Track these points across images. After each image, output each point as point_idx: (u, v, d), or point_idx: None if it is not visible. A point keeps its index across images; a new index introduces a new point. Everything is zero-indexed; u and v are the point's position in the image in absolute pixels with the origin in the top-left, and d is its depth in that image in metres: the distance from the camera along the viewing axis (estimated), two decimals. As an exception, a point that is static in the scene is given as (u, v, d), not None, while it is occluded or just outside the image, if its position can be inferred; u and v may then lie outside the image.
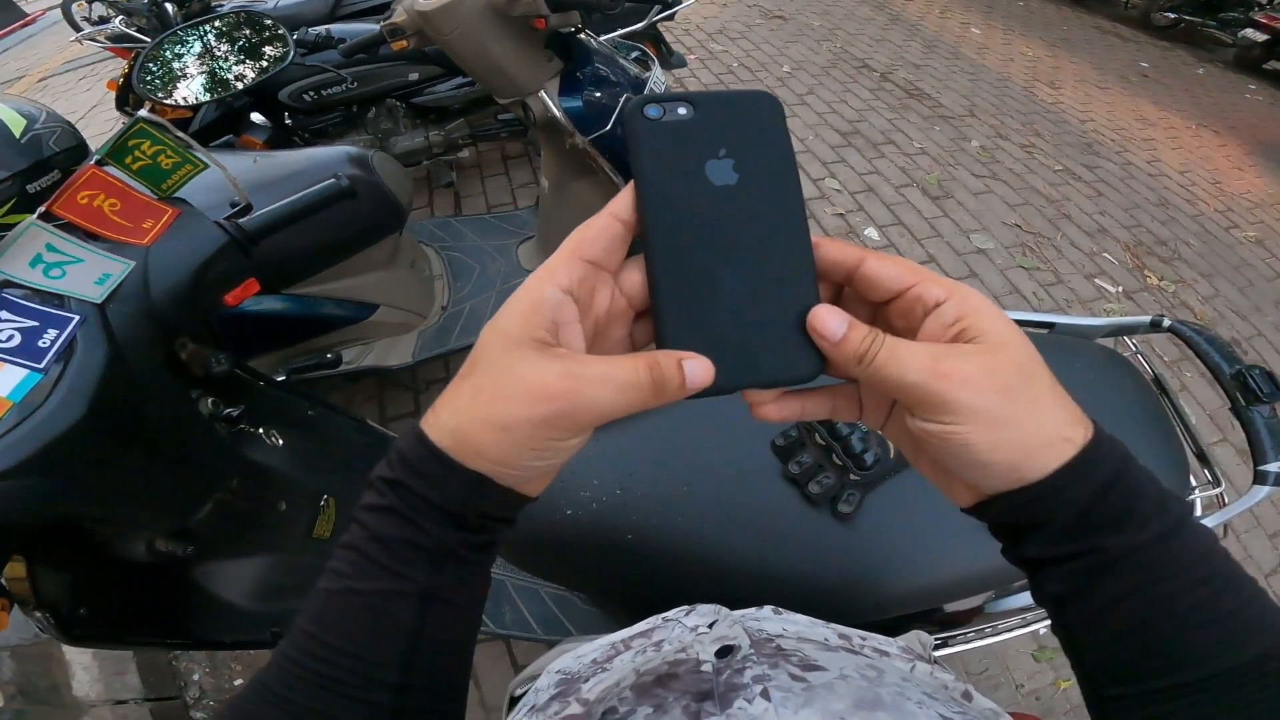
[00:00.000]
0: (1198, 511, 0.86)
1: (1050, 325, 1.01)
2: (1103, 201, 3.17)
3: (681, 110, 0.30)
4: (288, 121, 2.04)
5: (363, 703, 0.28)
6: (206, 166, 0.79)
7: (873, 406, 0.33)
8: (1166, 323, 0.93)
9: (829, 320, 0.29)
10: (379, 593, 0.28)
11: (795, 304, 0.30)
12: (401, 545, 0.28)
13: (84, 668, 1.40)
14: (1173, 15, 5.73)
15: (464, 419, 0.28)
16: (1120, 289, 2.63)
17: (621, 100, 1.39)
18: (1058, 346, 0.96)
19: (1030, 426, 0.26)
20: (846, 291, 0.32)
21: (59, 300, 0.67)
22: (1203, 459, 0.90)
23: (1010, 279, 2.57)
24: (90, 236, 0.71)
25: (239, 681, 1.49)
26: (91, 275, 0.68)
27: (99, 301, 0.67)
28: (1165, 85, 4.81)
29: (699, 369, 0.27)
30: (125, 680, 1.41)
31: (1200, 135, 4.09)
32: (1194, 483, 0.87)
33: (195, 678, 1.49)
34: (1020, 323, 1.02)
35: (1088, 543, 0.27)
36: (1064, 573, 0.28)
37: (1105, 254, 2.81)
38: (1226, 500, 0.85)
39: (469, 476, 0.28)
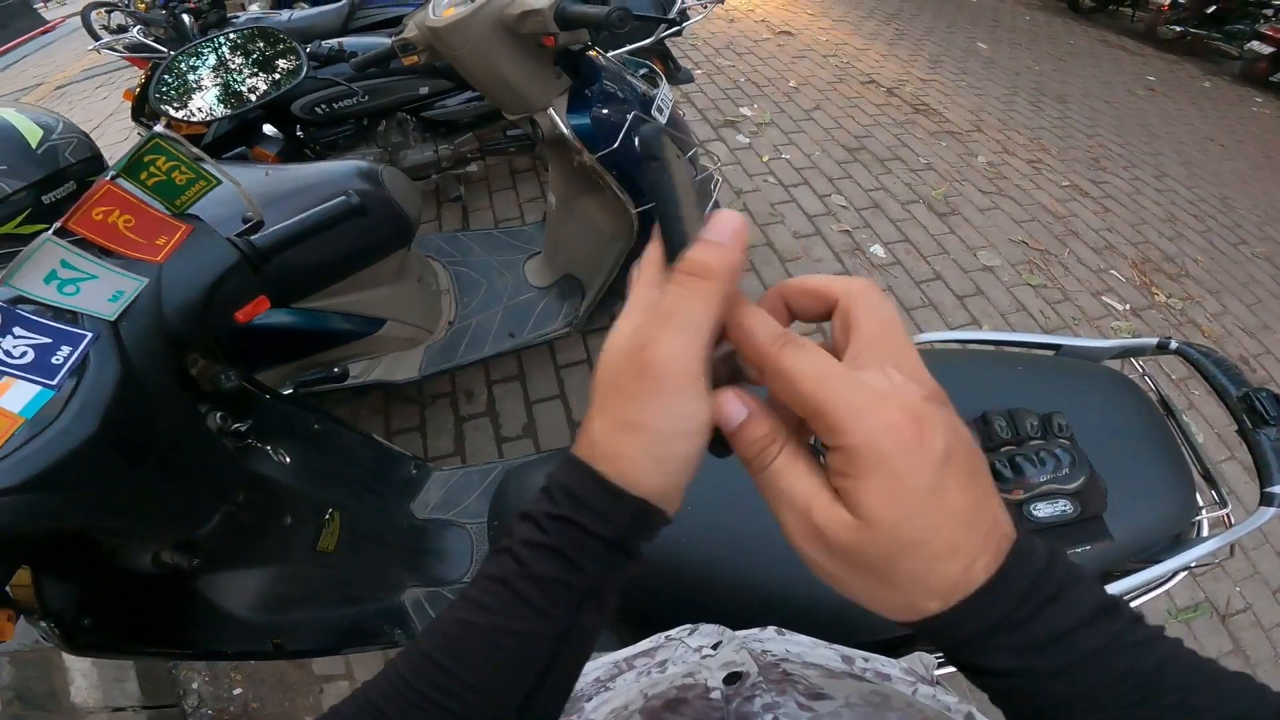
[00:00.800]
0: (1205, 531, 0.86)
1: (1057, 347, 1.01)
2: (1110, 218, 3.17)
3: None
4: (299, 134, 2.06)
5: None
6: (220, 182, 0.80)
7: None
8: (1173, 345, 0.93)
9: (727, 406, 0.28)
10: (522, 633, 0.28)
11: None
12: (556, 586, 0.28)
13: (83, 674, 1.39)
14: (1179, 28, 5.75)
15: (622, 449, 0.28)
16: (1128, 306, 2.62)
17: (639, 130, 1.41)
18: (1063, 369, 0.97)
19: (873, 598, 0.26)
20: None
21: (72, 317, 0.68)
22: (1209, 479, 0.90)
23: (1017, 296, 2.56)
24: (104, 252, 0.72)
25: (238, 691, 1.48)
26: (105, 292, 0.69)
27: (112, 319, 0.68)
28: (1172, 99, 4.82)
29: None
30: (124, 687, 1.40)
31: (1207, 150, 4.09)
32: (1201, 502, 0.87)
33: (194, 686, 1.49)
34: (1026, 345, 1.03)
35: (965, 674, 0.27)
36: (998, 687, 0.27)
37: (1112, 271, 2.81)
38: (1233, 520, 0.85)
39: (637, 505, 0.28)
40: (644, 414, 0.27)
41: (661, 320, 0.27)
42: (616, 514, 0.28)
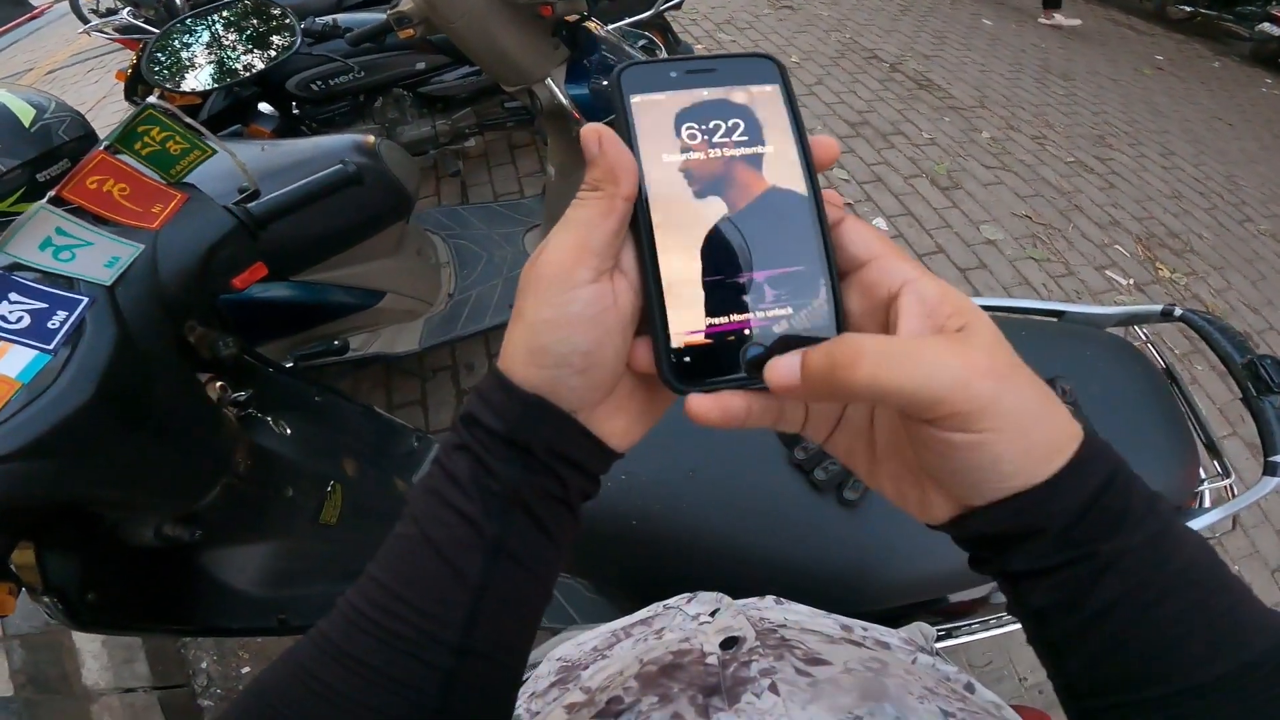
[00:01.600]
0: (1207, 503, 0.86)
1: (1060, 314, 1.00)
2: (1115, 193, 3.14)
3: (673, 74, 0.27)
4: (295, 111, 2.04)
5: (421, 661, 0.26)
6: (215, 152, 0.79)
7: (820, 418, 0.30)
8: (1178, 312, 0.92)
9: (777, 367, 0.25)
10: (450, 541, 0.27)
11: (804, 296, 0.26)
12: (474, 487, 0.27)
13: (93, 656, 1.41)
14: (1189, 9, 5.64)
15: (508, 342, 0.27)
16: (1131, 281, 2.61)
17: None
18: (1067, 335, 0.96)
19: (1050, 428, 0.24)
20: None
21: (68, 283, 0.67)
22: (1213, 450, 0.89)
23: (1020, 270, 2.55)
24: (100, 221, 0.72)
25: (246, 670, 1.50)
26: (101, 258, 0.68)
27: (109, 284, 0.68)
28: (1180, 78, 4.74)
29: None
30: (134, 668, 1.41)
31: (1215, 128, 4.03)
32: (1204, 474, 0.86)
33: (203, 665, 1.50)
34: (1029, 311, 1.02)
35: (1079, 550, 0.24)
36: (1051, 583, 0.25)
37: (1116, 246, 2.79)
38: (1236, 492, 0.84)
39: (527, 398, 0.26)
40: (523, 304, 0.27)
41: (556, 228, 0.27)
42: (507, 408, 0.27)
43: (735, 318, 0.26)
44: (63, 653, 1.39)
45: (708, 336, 0.26)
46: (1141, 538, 0.24)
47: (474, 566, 0.27)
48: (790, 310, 0.26)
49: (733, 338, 0.26)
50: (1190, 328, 0.91)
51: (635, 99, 0.27)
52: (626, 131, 0.27)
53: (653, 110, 0.27)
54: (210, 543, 0.93)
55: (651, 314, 0.26)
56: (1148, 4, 6.04)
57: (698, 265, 0.26)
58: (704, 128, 0.27)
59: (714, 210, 0.27)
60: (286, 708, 0.26)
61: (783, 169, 0.27)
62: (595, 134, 0.26)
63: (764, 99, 0.28)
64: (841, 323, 0.26)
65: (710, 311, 0.26)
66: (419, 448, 1.40)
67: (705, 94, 0.27)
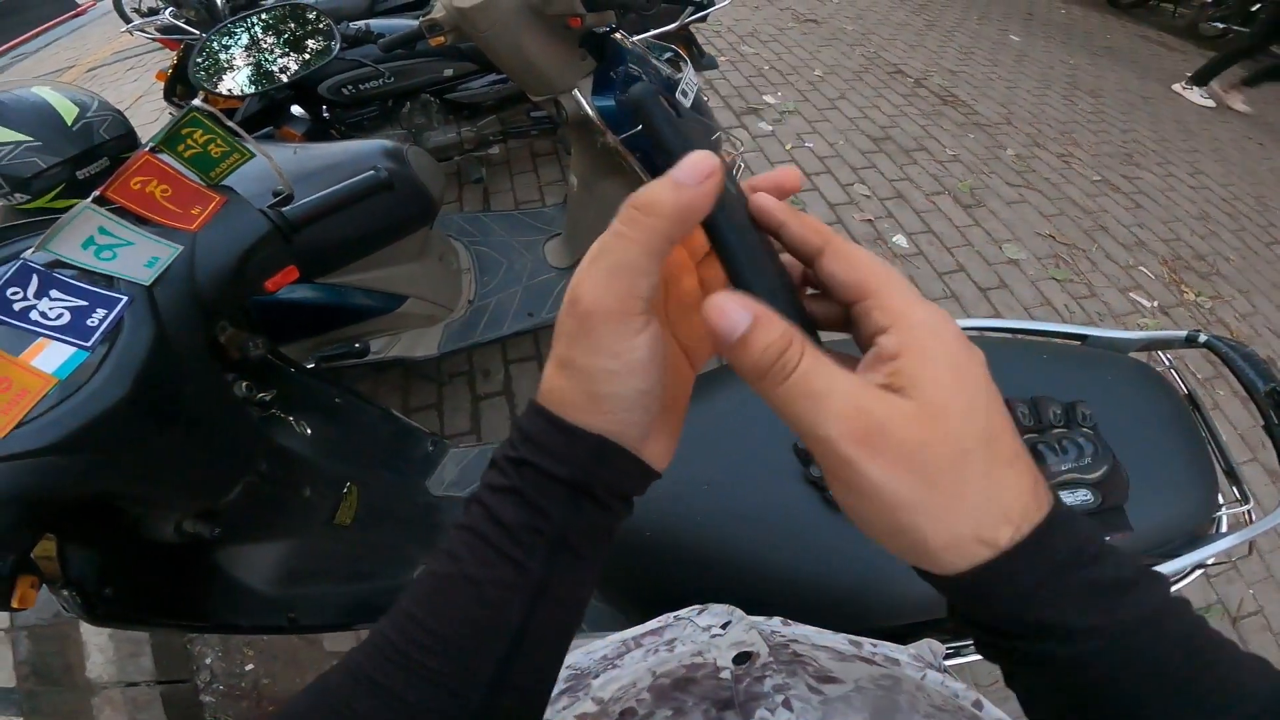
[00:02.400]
0: (1224, 528, 0.85)
1: (1083, 337, 0.99)
2: (1141, 213, 3.10)
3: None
4: (325, 115, 2.08)
5: (455, 696, 0.26)
6: (253, 156, 0.82)
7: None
8: (1202, 338, 0.91)
9: (727, 310, 0.23)
10: (493, 582, 0.26)
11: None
12: (523, 531, 0.27)
13: (99, 649, 1.40)
14: (1221, 25, 5.57)
15: (562, 387, 0.27)
16: (1155, 304, 2.57)
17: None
18: (1090, 358, 0.95)
19: (939, 522, 0.22)
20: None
21: (108, 281, 0.69)
22: (1232, 476, 0.89)
23: (1042, 290, 2.52)
24: (141, 221, 0.74)
25: (250, 667, 1.50)
26: (142, 258, 0.71)
27: (148, 284, 0.70)
28: (1211, 97, 4.67)
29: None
30: (139, 662, 1.41)
31: (1245, 148, 3.97)
32: (1222, 500, 0.86)
33: (208, 661, 1.51)
34: (1052, 334, 1.01)
35: (1014, 645, 0.23)
36: (994, 656, 0.25)
37: (1141, 267, 2.75)
38: (1254, 518, 0.84)
39: (591, 441, 0.26)
40: (573, 352, 0.26)
41: (593, 258, 0.26)
42: (570, 452, 0.26)
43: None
44: (69, 645, 1.39)
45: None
46: (1071, 652, 0.22)
47: (515, 606, 0.27)
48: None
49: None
50: (1214, 354, 0.91)
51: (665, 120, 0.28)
52: (663, 143, 0.27)
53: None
54: (226, 540, 0.93)
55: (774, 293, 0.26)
56: (1179, 21, 5.97)
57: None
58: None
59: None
60: None
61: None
62: (703, 163, 0.25)
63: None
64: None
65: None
66: (434, 452, 1.41)
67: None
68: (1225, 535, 0.81)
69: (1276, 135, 4.25)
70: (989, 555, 0.22)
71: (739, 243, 0.27)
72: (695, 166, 0.24)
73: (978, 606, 0.24)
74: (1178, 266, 2.80)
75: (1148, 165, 3.51)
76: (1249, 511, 0.85)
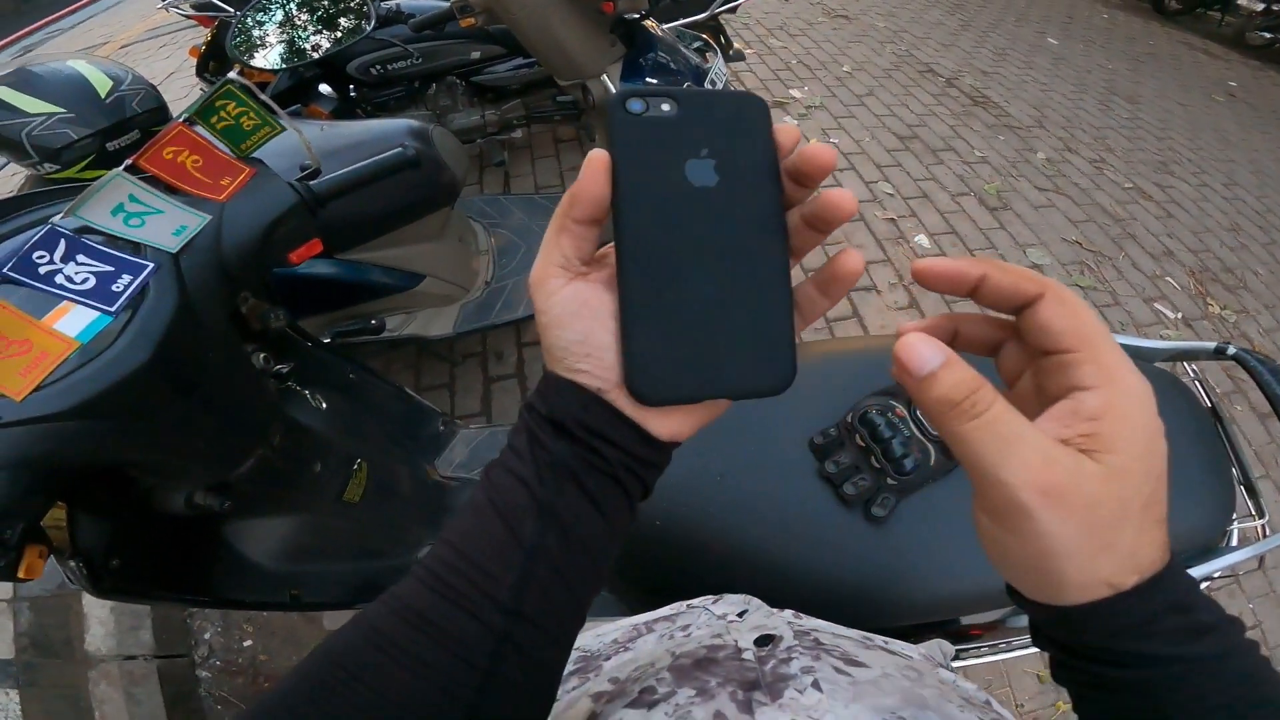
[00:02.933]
0: (1235, 541, 0.84)
1: (1108, 346, 0.98)
2: (1171, 223, 3.03)
3: (665, 106, 0.29)
4: (352, 94, 2.09)
5: (477, 619, 0.28)
6: (284, 130, 0.82)
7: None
8: (1231, 350, 0.90)
9: (919, 350, 0.25)
10: (509, 505, 0.29)
11: (766, 313, 0.29)
12: (530, 456, 0.30)
13: (100, 622, 1.42)
14: (1269, 35, 5.41)
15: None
16: (1179, 315, 2.52)
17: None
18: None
19: (1085, 568, 0.25)
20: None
21: (135, 249, 0.70)
22: (1250, 490, 0.87)
23: (1065, 297, 2.48)
24: (171, 190, 0.75)
25: (248, 643, 1.51)
26: (169, 227, 0.71)
27: (174, 251, 0.71)
28: (1252, 105, 4.55)
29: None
30: (139, 636, 1.43)
31: (1285, 160, 3.87)
32: (1235, 514, 0.84)
33: (206, 636, 1.52)
34: None
35: (1093, 669, 0.26)
36: (1070, 678, 0.28)
37: (1168, 278, 2.69)
38: (1266, 533, 0.82)
39: (560, 381, 0.30)
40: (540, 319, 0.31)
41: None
42: (545, 391, 0.31)
43: (689, 338, 0.28)
44: (70, 616, 1.41)
45: (665, 352, 0.28)
46: (1160, 673, 0.25)
47: (527, 527, 0.29)
48: (734, 339, 0.29)
49: (688, 355, 0.28)
50: (1242, 367, 0.89)
51: (624, 124, 0.29)
52: (612, 153, 0.28)
53: (640, 137, 0.29)
54: (234, 514, 0.93)
55: (619, 324, 0.29)
56: (1226, 29, 5.81)
57: (659, 285, 0.28)
58: (685, 158, 0.29)
59: (683, 237, 0.28)
60: (349, 659, 0.28)
61: (753, 208, 0.29)
62: (594, 159, 0.29)
63: (747, 138, 0.30)
64: (794, 361, 0.29)
65: (668, 330, 0.28)
66: (444, 432, 1.42)
67: (694, 130, 0.29)
68: (1237, 549, 0.80)
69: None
70: (1108, 594, 0.25)
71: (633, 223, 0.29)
72: (589, 165, 0.28)
73: (1075, 633, 0.26)
74: (1204, 278, 2.74)
75: (1182, 174, 3.43)
76: (1263, 526, 0.84)
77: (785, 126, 0.30)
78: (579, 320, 0.29)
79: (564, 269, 0.30)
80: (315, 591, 1.07)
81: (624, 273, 0.28)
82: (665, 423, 0.31)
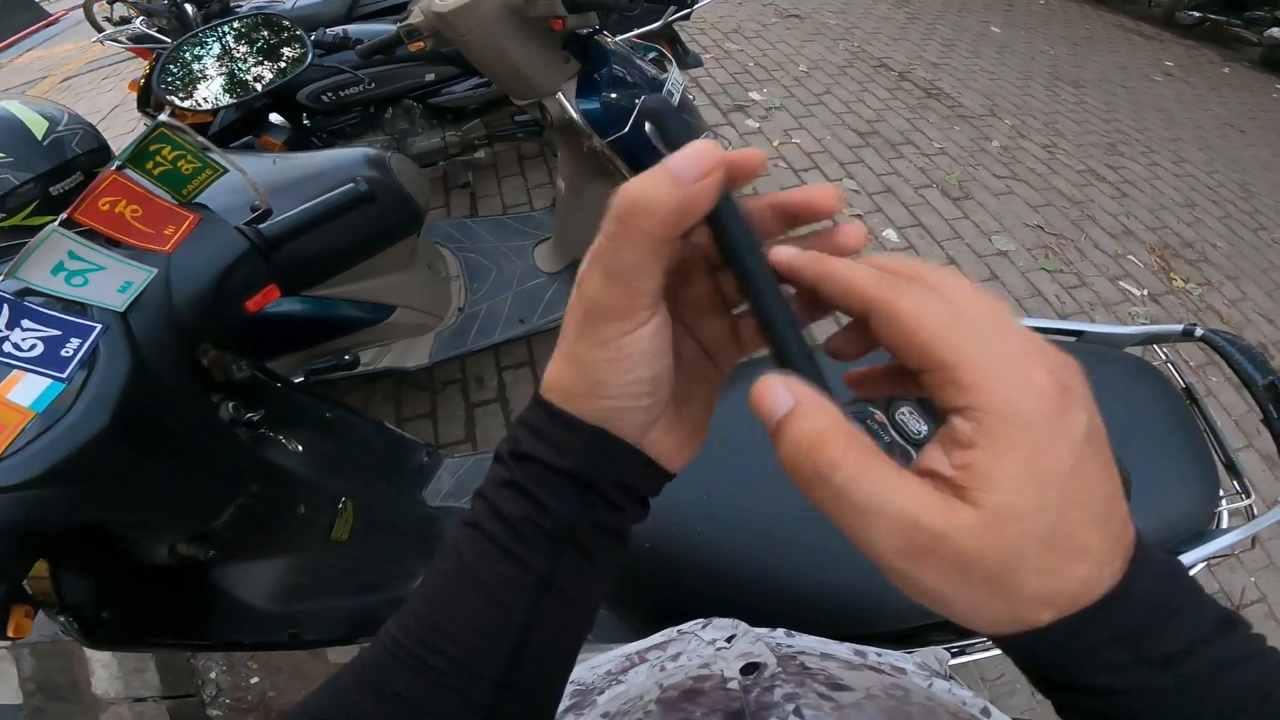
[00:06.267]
0: (1224, 523, 0.85)
1: (1078, 333, 0.99)
2: (1127, 203, 3.11)
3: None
4: (306, 122, 2.05)
5: (461, 697, 0.26)
6: (227, 171, 0.79)
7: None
8: (1199, 331, 0.91)
9: (771, 390, 0.22)
10: (496, 580, 0.26)
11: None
12: (524, 525, 0.26)
13: (104, 665, 1.41)
14: (1197, 14, 5.63)
15: (562, 377, 0.27)
16: (1145, 291, 2.58)
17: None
18: (1086, 355, 0.94)
19: (981, 615, 0.22)
20: None
21: (81, 308, 0.67)
22: (1232, 470, 0.89)
23: (1032, 281, 2.53)
24: (112, 243, 0.72)
25: (255, 680, 1.50)
26: (114, 283, 0.68)
27: (122, 310, 0.68)
28: (1190, 84, 4.72)
29: None
30: (144, 678, 1.42)
31: (1226, 135, 4.01)
32: (1222, 493, 0.85)
33: (212, 676, 1.51)
34: (1047, 330, 1.01)
35: (1057, 696, 0.23)
36: (1038, 686, 0.25)
37: (1130, 256, 2.76)
38: (1256, 512, 0.84)
39: (593, 432, 0.26)
40: (576, 347, 0.26)
41: (590, 260, 0.25)
42: (570, 442, 0.26)
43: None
44: (73, 661, 1.40)
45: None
46: (1134, 699, 0.22)
47: (520, 603, 0.26)
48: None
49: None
50: (1211, 348, 0.90)
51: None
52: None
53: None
54: (223, 560, 0.93)
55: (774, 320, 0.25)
56: (1156, 9, 6.03)
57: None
58: None
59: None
60: None
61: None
62: (702, 154, 0.23)
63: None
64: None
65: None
66: (429, 462, 1.40)
67: None
68: (1227, 531, 0.80)
69: (1257, 122, 4.29)
70: (1023, 629, 0.21)
71: (751, 255, 0.24)
72: (694, 159, 0.22)
73: (1019, 662, 0.24)
74: (1166, 254, 2.82)
75: (1132, 154, 3.54)
76: (1250, 506, 0.85)
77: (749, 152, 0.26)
78: (655, 359, 0.26)
79: (651, 297, 0.25)
80: (314, 629, 1.06)
81: (756, 285, 0.25)
82: (682, 451, 0.29)
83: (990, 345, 0.21)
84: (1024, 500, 0.20)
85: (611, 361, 0.25)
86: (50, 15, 6.17)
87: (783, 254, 0.25)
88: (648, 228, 0.23)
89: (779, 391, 0.22)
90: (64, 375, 0.63)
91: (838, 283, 0.23)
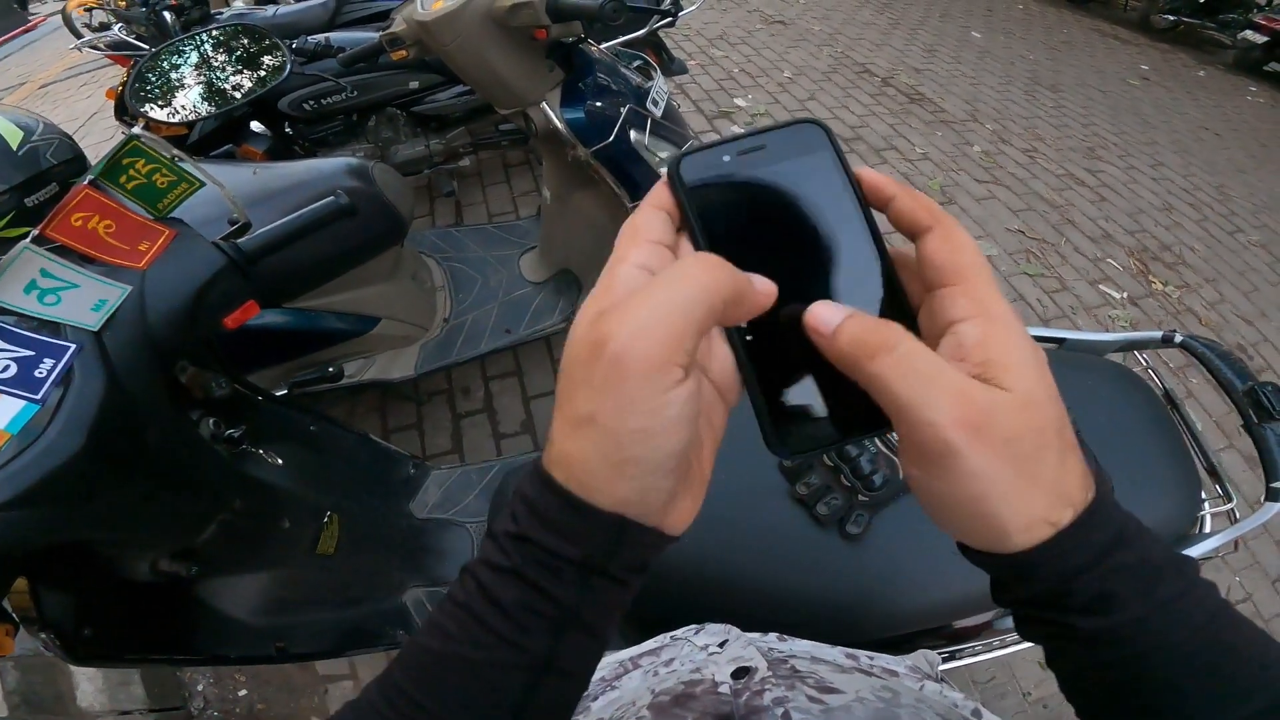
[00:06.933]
0: (1208, 527, 0.86)
1: (1060, 341, 1.00)
2: (1106, 206, 3.16)
3: (725, 158, 0.28)
4: (288, 130, 2.03)
5: None
6: (203, 184, 0.78)
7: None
8: (1178, 338, 0.92)
9: (822, 312, 0.25)
10: (488, 663, 0.25)
11: None
12: (522, 612, 0.25)
13: (88, 678, 1.39)
14: (1172, 18, 5.75)
15: (575, 448, 0.24)
16: (1125, 295, 2.62)
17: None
18: (1067, 362, 0.96)
19: (1019, 507, 0.23)
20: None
21: (55, 328, 0.66)
22: (1214, 474, 0.89)
23: (1014, 286, 2.56)
24: (85, 260, 0.70)
25: (243, 693, 1.48)
26: (87, 301, 0.67)
27: (96, 329, 0.66)
28: (1166, 88, 4.81)
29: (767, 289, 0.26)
30: (130, 691, 1.40)
31: (1202, 139, 4.08)
32: (1204, 496, 0.86)
33: (199, 688, 1.49)
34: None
35: (1058, 618, 0.25)
36: (1038, 633, 0.26)
37: (1109, 259, 2.80)
38: (1238, 516, 0.84)
39: (609, 521, 0.24)
40: (598, 407, 0.23)
41: (634, 292, 0.23)
42: (583, 532, 0.24)
43: (810, 387, 0.27)
44: (58, 674, 1.38)
45: (793, 406, 0.27)
46: (1126, 617, 0.24)
47: (516, 685, 0.25)
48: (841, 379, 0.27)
49: (813, 404, 0.27)
50: (1190, 354, 0.91)
51: (693, 188, 0.27)
52: (689, 223, 0.27)
53: (712, 197, 0.27)
54: (207, 575, 0.92)
55: (753, 393, 0.27)
56: (1132, 14, 6.14)
57: (777, 337, 0.27)
58: (762, 207, 0.28)
59: (786, 289, 0.27)
60: None
61: (844, 234, 0.28)
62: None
63: (814, 167, 0.28)
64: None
65: (794, 383, 0.27)
66: (415, 474, 1.38)
67: (760, 173, 0.28)
68: (1210, 536, 0.81)
69: (1232, 125, 4.38)
70: (1050, 534, 0.23)
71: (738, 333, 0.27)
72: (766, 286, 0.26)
73: (1027, 582, 0.25)
74: (1145, 258, 2.86)
75: (1110, 159, 3.59)
76: (1233, 510, 0.86)
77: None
78: (690, 426, 0.24)
79: (690, 356, 0.23)
80: (301, 642, 1.05)
81: (746, 336, 0.27)
82: (692, 512, 0.28)
83: (992, 280, 0.26)
84: (1041, 388, 0.24)
85: (644, 432, 0.23)
86: (30, 20, 6.08)
87: (870, 175, 0.28)
88: (718, 286, 0.24)
89: (832, 308, 0.25)
90: (38, 396, 0.62)
91: (916, 201, 0.27)
